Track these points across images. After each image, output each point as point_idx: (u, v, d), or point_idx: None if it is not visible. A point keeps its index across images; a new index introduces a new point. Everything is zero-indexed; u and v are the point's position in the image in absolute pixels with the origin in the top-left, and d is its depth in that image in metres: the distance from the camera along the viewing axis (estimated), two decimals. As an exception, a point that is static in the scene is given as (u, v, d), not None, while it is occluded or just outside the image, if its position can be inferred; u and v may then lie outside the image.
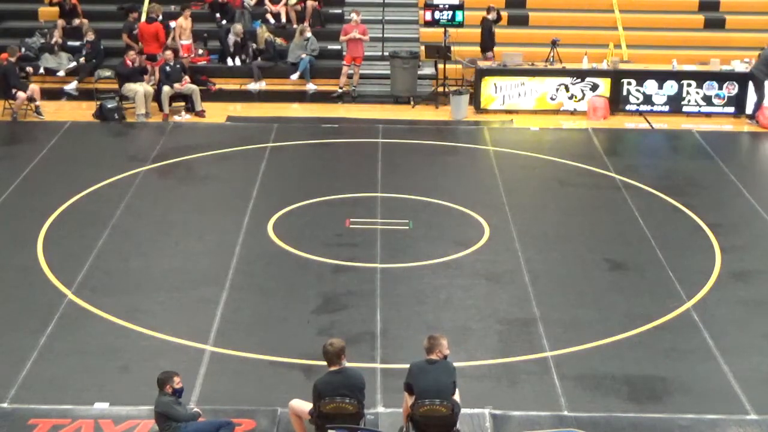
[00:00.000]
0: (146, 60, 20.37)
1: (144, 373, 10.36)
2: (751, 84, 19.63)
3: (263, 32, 21.63)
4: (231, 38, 21.27)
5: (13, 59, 19.06)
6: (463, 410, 9.20)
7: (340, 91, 20.93)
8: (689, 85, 19.91)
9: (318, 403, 8.74)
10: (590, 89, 19.93)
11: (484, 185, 16.10)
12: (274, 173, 16.45)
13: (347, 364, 8.93)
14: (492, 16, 20.96)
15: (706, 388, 10.40)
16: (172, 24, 21.44)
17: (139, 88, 19.09)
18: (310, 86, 21.20)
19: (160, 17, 21.19)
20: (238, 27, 21.33)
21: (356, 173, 16.52)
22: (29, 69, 19.49)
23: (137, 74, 19.42)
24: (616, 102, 20.00)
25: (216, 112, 19.63)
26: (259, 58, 21.38)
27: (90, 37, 21.04)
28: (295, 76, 21.16)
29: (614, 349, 11.10)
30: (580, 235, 14.21)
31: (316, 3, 22.42)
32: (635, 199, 15.45)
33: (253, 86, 21.10)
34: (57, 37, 21.36)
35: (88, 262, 12.98)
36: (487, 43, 20.91)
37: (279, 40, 21.92)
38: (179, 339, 11.13)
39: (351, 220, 14.47)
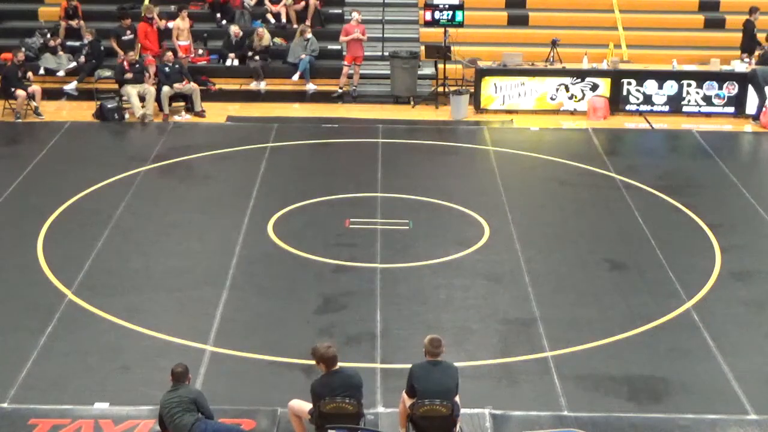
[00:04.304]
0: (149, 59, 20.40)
1: (144, 373, 10.38)
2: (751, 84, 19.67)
3: (264, 33, 21.59)
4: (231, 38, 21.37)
5: (16, 60, 19.09)
6: (463, 410, 9.20)
7: (340, 91, 20.93)
8: (689, 85, 19.90)
9: (318, 404, 8.74)
10: (590, 89, 19.93)
11: (484, 185, 16.10)
12: (274, 173, 16.45)
13: (343, 364, 8.94)
14: (754, 17, 20.83)
15: (706, 388, 10.40)
16: (170, 24, 21.46)
17: (133, 91, 19.03)
18: (310, 86, 21.20)
19: (154, 17, 21.22)
20: (234, 27, 21.40)
21: (356, 173, 16.51)
22: (30, 74, 19.46)
23: (137, 75, 19.36)
24: (616, 102, 20.00)
25: (216, 112, 19.63)
26: (258, 58, 21.34)
27: (89, 37, 21.05)
28: (295, 77, 21.16)
29: (614, 349, 11.10)
30: (580, 235, 14.21)
31: (318, 2, 22.41)
32: (635, 199, 15.45)
33: (261, 85, 21.10)
34: (58, 38, 21.37)
35: (88, 262, 12.98)
36: (750, 44, 20.74)
37: (279, 40, 21.94)
38: (179, 339, 11.13)
39: (351, 220, 14.47)
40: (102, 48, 21.10)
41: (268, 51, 21.44)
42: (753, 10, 21.04)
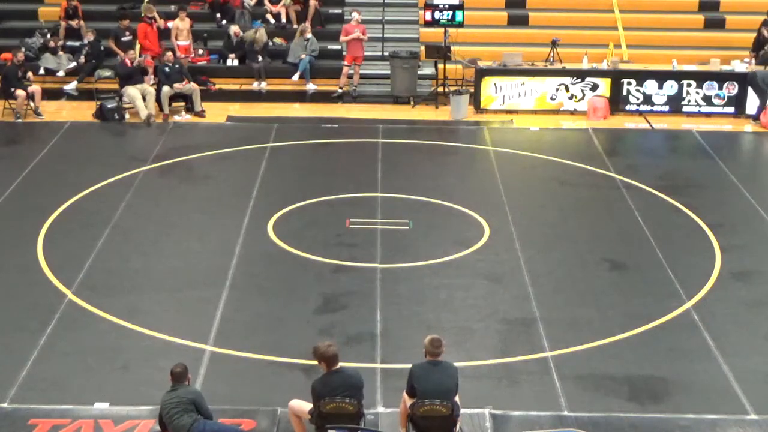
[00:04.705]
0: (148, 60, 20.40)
1: (144, 373, 10.38)
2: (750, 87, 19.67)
3: (262, 34, 21.57)
4: (232, 38, 21.38)
5: (16, 60, 19.08)
6: (463, 410, 9.20)
7: (340, 91, 20.93)
8: (689, 85, 19.91)
9: (318, 403, 8.74)
10: (590, 89, 19.93)
11: (484, 185, 16.10)
12: (274, 173, 16.45)
13: (343, 364, 8.93)
14: None
15: (706, 388, 10.40)
16: (170, 24, 21.45)
17: (136, 93, 18.99)
18: (310, 86, 21.20)
19: (154, 17, 21.22)
20: (234, 27, 21.40)
21: (356, 173, 16.51)
22: (30, 74, 19.45)
23: (137, 74, 19.38)
24: (616, 102, 20.01)
25: (216, 112, 19.63)
26: (261, 58, 21.32)
27: (89, 37, 21.06)
28: (295, 77, 21.16)
29: (614, 349, 11.10)
30: (580, 235, 14.21)
31: (317, 2, 22.40)
32: (635, 199, 15.45)
33: (262, 85, 21.09)
34: (59, 38, 21.37)
35: (88, 262, 12.98)
36: (761, 45, 20.81)
37: (279, 40, 21.93)
38: (179, 339, 11.13)
39: (351, 220, 14.47)
40: (102, 48, 21.10)
41: (266, 49, 21.42)
42: None
